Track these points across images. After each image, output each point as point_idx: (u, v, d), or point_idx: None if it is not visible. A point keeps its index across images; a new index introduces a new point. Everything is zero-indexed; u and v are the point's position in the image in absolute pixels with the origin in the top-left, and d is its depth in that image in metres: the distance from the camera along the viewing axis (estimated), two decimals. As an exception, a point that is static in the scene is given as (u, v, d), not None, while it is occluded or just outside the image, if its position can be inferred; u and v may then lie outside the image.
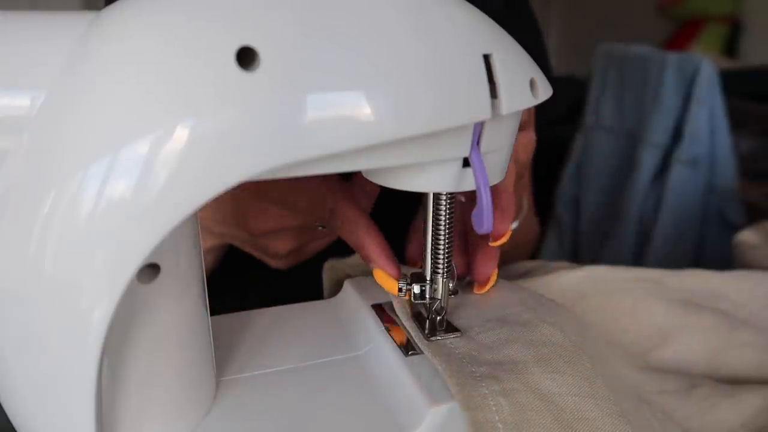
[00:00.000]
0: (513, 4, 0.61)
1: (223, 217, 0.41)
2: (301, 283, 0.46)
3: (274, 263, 0.45)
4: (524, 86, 0.25)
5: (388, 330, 0.33)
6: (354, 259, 0.41)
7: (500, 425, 0.26)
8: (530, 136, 0.41)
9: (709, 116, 1.37)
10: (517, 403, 0.27)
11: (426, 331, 0.31)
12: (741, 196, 1.39)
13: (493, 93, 0.24)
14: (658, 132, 1.42)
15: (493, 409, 0.26)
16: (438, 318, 0.32)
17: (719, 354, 0.45)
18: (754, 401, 0.40)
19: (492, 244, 0.34)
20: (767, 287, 0.50)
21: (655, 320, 0.44)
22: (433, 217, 0.30)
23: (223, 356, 0.32)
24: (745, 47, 2.26)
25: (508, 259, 0.48)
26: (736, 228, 0.82)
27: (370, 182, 0.29)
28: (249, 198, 0.39)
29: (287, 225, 0.40)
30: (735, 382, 0.43)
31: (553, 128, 1.46)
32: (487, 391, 0.27)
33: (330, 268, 0.42)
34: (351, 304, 0.36)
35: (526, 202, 0.52)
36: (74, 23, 0.21)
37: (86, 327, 0.20)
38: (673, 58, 1.40)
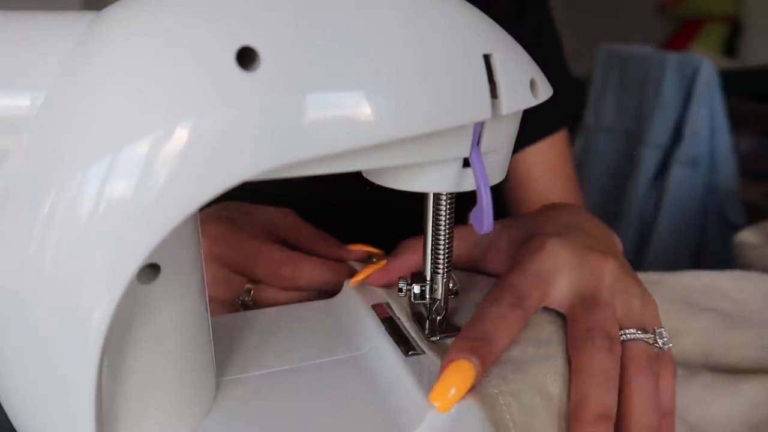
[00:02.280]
0: (524, 11, 0.61)
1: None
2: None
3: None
4: (524, 86, 0.25)
5: (387, 330, 0.33)
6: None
7: (511, 424, 0.26)
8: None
9: (709, 116, 1.36)
10: (523, 404, 0.27)
11: (426, 332, 0.31)
12: (741, 196, 1.39)
13: (494, 93, 0.24)
14: (658, 132, 1.42)
15: (504, 408, 0.26)
16: (438, 318, 0.32)
17: (717, 354, 0.45)
18: (753, 392, 0.40)
19: None
20: (766, 286, 0.50)
21: None
22: (433, 217, 0.30)
23: (223, 356, 0.32)
24: (745, 47, 2.26)
25: None
26: (736, 228, 0.82)
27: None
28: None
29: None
30: (735, 372, 0.43)
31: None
32: (497, 391, 0.27)
33: None
34: (351, 304, 0.36)
35: None
36: (74, 23, 0.21)
37: (86, 327, 0.20)
38: (673, 58, 1.40)
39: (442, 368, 0.27)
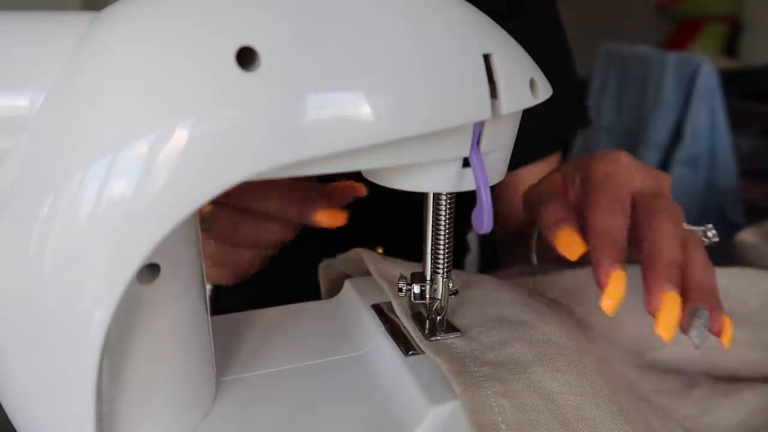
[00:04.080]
0: (522, 4, 0.60)
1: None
2: (301, 283, 0.46)
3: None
4: (524, 86, 0.25)
5: (387, 330, 0.33)
6: (348, 256, 0.41)
7: (503, 426, 0.26)
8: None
9: (709, 116, 1.37)
10: (519, 404, 0.27)
11: (426, 332, 0.31)
12: (741, 196, 1.39)
13: (493, 93, 0.24)
14: (658, 132, 1.42)
15: (496, 410, 0.26)
16: (438, 318, 0.32)
17: (717, 353, 0.45)
18: (752, 400, 0.40)
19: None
20: (765, 284, 0.50)
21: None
22: (433, 217, 0.30)
23: (223, 356, 0.32)
24: (745, 47, 2.26)
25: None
26: (736, 228, 0.82)
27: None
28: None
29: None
30: (733, 379, 0.43)
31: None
32: (489, 392, 0.27)
33: (325, 268, 0.42)
34: (351, 304, 0.36)
35: None
36: (74, 23, 0.21)
37: (86, 327, 0.20)
38: (673, 58, 1.40)
39: (602, 277, 0.29)
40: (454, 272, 0.33)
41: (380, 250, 0.41)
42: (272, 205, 0.38)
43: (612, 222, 0.31)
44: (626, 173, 0.35)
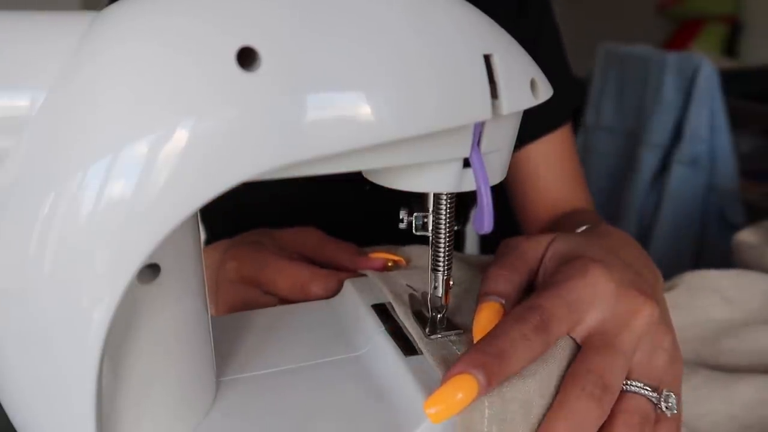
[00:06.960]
0: (525, 9, 0.61)
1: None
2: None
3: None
4: (525, 86, 0.25)
5: (388, 330, 0.33)
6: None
7: None
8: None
9: (709, 116, 1.37)
10: (504, 420, 0.26)
11: (426, 330, 0.31)
12: (741, 196, 1.39)
13: (494, 93, 0.24)
14: (658, 132, 1.42)
15: (486, 424, 0.26)
16: (439, 316, 0.32)
17: (710, 361, 0.45)
18: (749, 393, 0.40)
19: None
20: (765, 285, 0.50)
21: None
22: (433, 217, 0.30)
23: (223, 356, 0.32)
24: (745, 47, 2.26)
25: None
26: (736, 228, 0.82)
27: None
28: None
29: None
30: (734, 371, 0.43)
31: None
32: (486, 403, 0.26)
33: None
34: (351, 304, 0.36)
35: None
36: (74, 23, 0.21)
37: (86, 327, 0.20)
38: (673, 58, 1.40)
39: (446, 378, 0.25)
40: (463, 257, 0.32)
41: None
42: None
43: (511, 329, 0.26)
44: (582, 299, 0.29)
